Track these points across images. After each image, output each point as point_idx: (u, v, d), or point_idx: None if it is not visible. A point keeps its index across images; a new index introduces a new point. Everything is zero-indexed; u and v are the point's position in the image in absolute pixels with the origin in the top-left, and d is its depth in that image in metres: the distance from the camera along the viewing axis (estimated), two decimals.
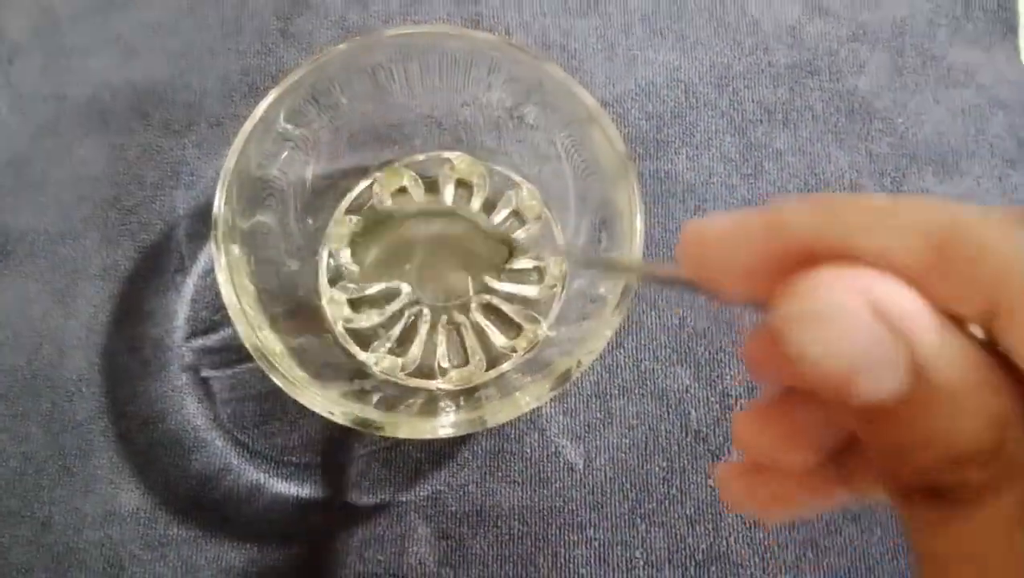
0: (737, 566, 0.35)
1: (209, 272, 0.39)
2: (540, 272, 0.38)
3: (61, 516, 0.36)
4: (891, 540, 0.35)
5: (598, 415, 0.37)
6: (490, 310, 0.38)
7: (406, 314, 0.37)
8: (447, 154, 0.39)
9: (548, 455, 0.36)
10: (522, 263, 0.38)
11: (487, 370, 0.36)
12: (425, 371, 0.37)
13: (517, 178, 0.39)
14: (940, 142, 0.41)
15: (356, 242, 0.34)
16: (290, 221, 0.35)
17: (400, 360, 0.36)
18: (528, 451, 0.36)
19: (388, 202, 0.39)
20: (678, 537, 0.35)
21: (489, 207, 0.39)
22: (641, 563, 0.35)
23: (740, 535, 0.35)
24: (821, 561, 0.35)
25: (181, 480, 0.36)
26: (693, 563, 0.35)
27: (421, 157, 0.39)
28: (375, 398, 0.32)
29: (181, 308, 0.38)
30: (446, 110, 0.37)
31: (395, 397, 0.34)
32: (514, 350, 0.37)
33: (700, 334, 0.38)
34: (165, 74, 0.42)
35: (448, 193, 0.39)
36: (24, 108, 0.42)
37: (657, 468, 0.36)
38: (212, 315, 0.38)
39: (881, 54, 0.42)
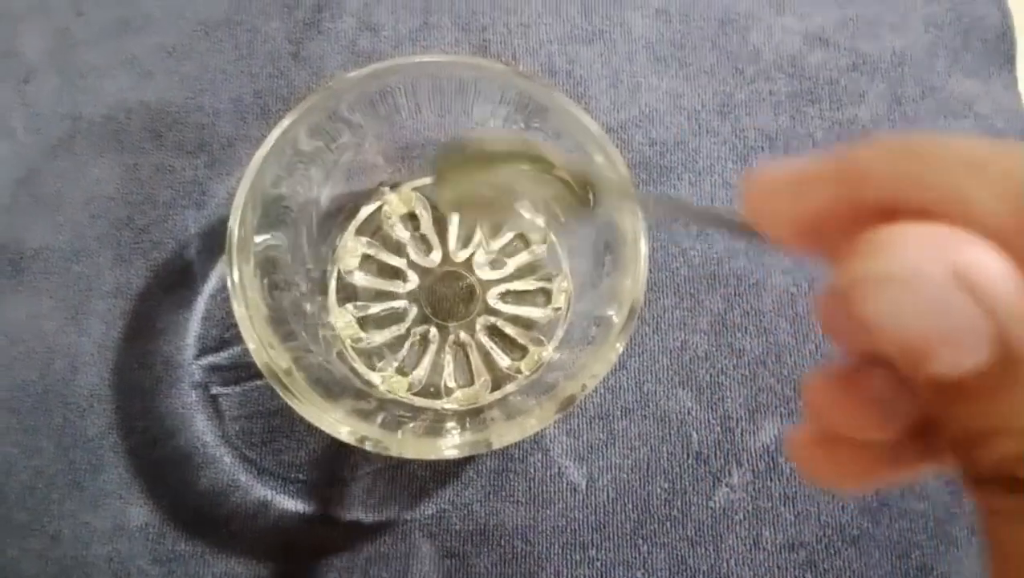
0: None
1: (220, 291, 0.39)
2: (545, 294, 0.39)
3: (70, 530, 0.37)
4: (889, 562, 0.35)
5: (601, 436, 0.37)
6: (495, 332, 0.38)
7: (413, 334, 0.38)
8: None
9: (551, 475, 0.37)
10: (527, 285, 0.39)
11: (492, 391, 0.37)
12: (431, 391, 0.37)
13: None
14: None
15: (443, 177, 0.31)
16: (302, 241, 0.35)
17: (407, 380, 0.37)
18: (532, 471, 0.37)
19: (398, 225, 0.39)
20: (679, 558, 0.36)
21: (495, 230, 0.40)
22: None
23: (740, 557, 0.36)
24: None
25: (189, 496, 0.37)
26: None
27: (429, 180, 0.40)
28: (381, 417, 0.33)
29: (192, 326, 0.39)
30: (454, 134, 0.38)
31: (401, 417, 0.34)
32: (519, 371, 0.37)
33: (702, 357, 0.38)
34: (179, 96, 0.43)
35: (455, 216, 0.40)
36: (39, 127, 0.43)
37: (659, 489, 0.37)
38: (222, 333, 0.39)
39: (881, 84, 0.43)
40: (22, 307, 0.40)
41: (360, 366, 0.37)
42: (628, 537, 0.36)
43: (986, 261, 0.13)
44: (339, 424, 0.29)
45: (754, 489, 0.37)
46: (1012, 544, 0.14)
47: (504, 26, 0.44)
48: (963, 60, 0.44)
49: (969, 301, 0.13)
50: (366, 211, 0.39)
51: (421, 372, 0.37)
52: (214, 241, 0.40)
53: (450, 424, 0.34)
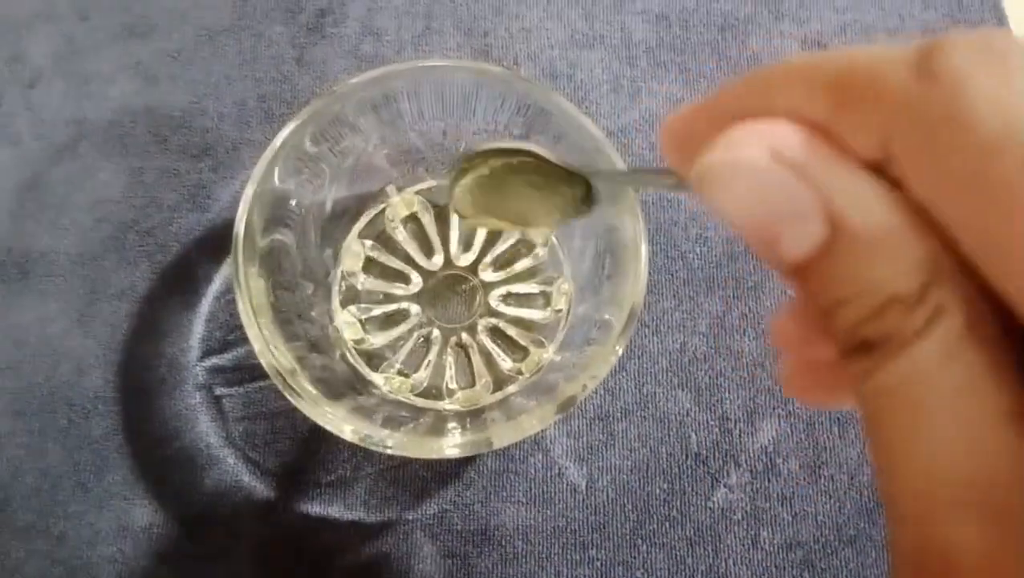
0: None
1: (224, 293, 0.40)
2: (546, 297, 0.39)
3: (75, 531, 0.37)
4: (886, 562, 0.36)
5: (601, 437, 0.38)
6: (497, 333, 0.39)
7: (415, 336, 0.38)
8: None
9: (552, 476, 0.37)
10: (528, 287, 0.39)
11: (493, 392, 0.37)
12: (433, 392, 0.38)
13: None
14: None
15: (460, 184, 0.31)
16: (306, 244, 0.36)
17: (409, 381, 0.37)
18: (532, 472, 0.37)
19: (401, 228, 0.40)
20: (678, 558, 0.36)
21: (496, 234, 0.40)
22: None
23: (739, 556, 0.36)
24: None
25: (194, 497, 0.37)
26: None
27: (431, 184, 0.40)
28: (383, 417, 0.33)
29: (196, 328, 0.39)
30: (455, 138, 0.38)
31: (403, 417, 0.35)
32: (520, 373, 0.37)
33: (700, 359, 0.39)
34: (183, 100, 0.43)
35: (457, 220, 0.40)
36: (45, 132, 0.43)
37: (658, 490, 0.37)
38: (226, 335, 0.39)
39: None
40: (28, 310, 0.40)
41: (363, 367, 0.37)
42: (627, 537, 0.36)
43: (801, 140, 0.14)
44: (342, 423, 0.30)
45: (752, 489, 0.37)
46: (873, 399, 0.14)
47: (506, 31, 0.45)
48: None
49: (794, 179, 0.14)
50: (369, 214, 0.40)
51: (423, 373, 0.38)
52: (218, 244, 0.41)
53: (451, 424, 0.34)
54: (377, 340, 0.38)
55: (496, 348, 0.38)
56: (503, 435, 0.30)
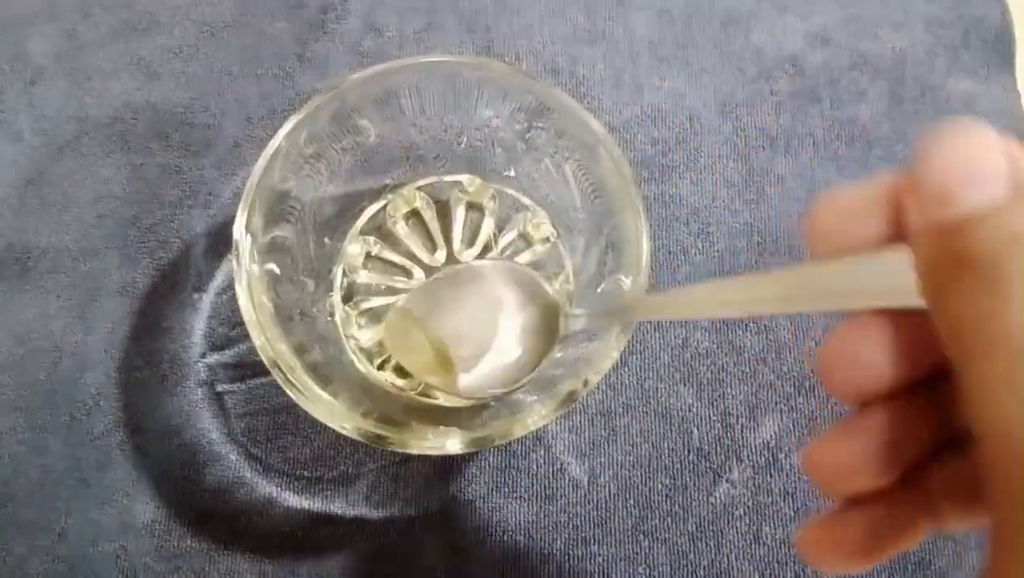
0: None
1: (225, 289, 0.40)
2: None
3: (77, 527, 0.37)
4: (890, 561, 0.36)
5: (603, 433, 0.38)
6: None
7: None
8: (458, 177, 0.40)
9: (554, 471, 0.37)
10: None
11: None
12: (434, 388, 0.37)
13: (526, 201, 0.40)
14: None
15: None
16: (307, 239, 0.36)
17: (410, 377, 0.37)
18: (534, 467, 0.37)
19: (402, 224, 0.40)
20: (680, 553, 0.36)
21: (498, 229, 0.40)
22: None
23: (741, 552, 0.36)
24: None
25: (195, 493, 0.37)
26: None
27: (433, 180, 0.40)
28: (385, 413, 0.33)
29: (198, 324, 0.39)
30: (457, 134, 0.38)
31: (404, 413, 0.35)
32: None
33: (703, 354, 0.39)
34: (185, 97, 0.43)
35: (459, 215, 0.40)
36: (46, 129, 0.43)
37: (660, 485, 0.37)
38: (228, 331, 0.39)
39: (881, 83, 0.43)
40: (30, 306, 0.40)
41: (364, 362, 0.37)
42: (629, 533, 0.36)
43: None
44: (343, 420, 0.30)
45: (754, 485, 0.37)
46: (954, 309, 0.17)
47: (508, 27, 0.45)
48: (963, 60, 0.44)
49: (997, 151, 0.17)
50: (371, 210, 0.40)
51: None
52: (220, 240, 0.41)
53: (453, 420, 0.34)
54: (378, 336, 0.38)
55: None
56: (505, 431, 0.30)
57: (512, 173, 0.39)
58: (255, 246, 0.32)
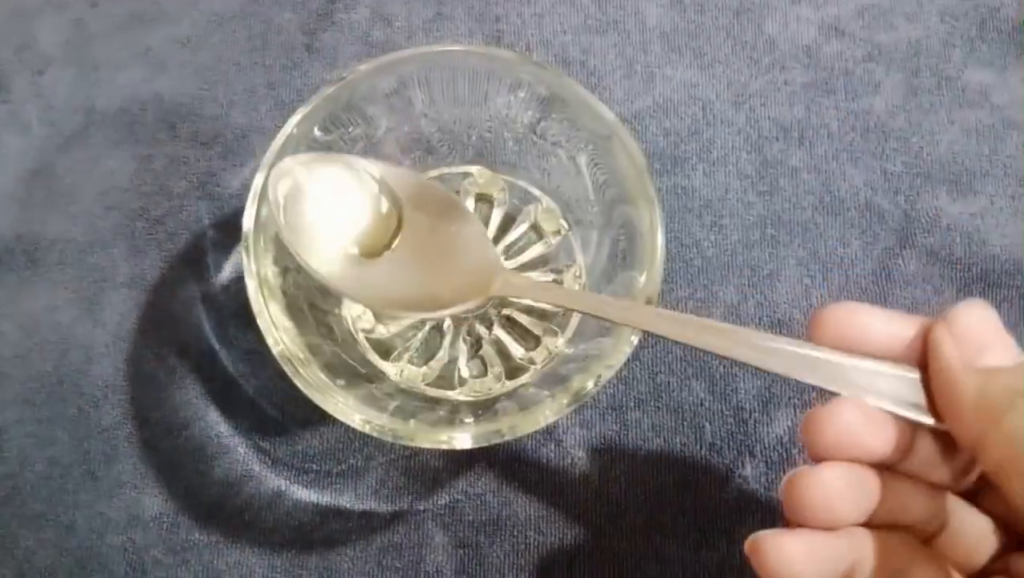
0: None
1: (234, 281, 0.39)
2: (558, 285, 0.39)
3: (85, 520, 0.37)
4: None
5: (614, 427, 0.37)
6: (509, 322, 0.38)
7: (427, 325, 0.38)
8: (468, 168, 0.40)
9: (564, 466, 0.37)
10: (540, 276, 0.39)
11: (505, 382, 0.37)
12: (444, 381, 0.37)
13: (537, 193, 0.39)
14: (954, 162, 0.41)
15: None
16: None
17: (421, 370, 0.37)
18: (545, 462, 0.37)
19: None
20: (692, 549, 0.36)
21: (508, 221, 0.40)
22: (655, 575, 0.36)
23: None
24: None
25: (204, 486, 0.37)
26: (707, 575, 0.35)
27: (443, 171, 0.40)
28: (394, 406, 0.33)
29: (206, 316, 0.39)
30: (468, 125, 0.38)
31: (415, 407, 0.34)
32: (532, 362, 0.37)
33: None
34: (193, 87, 0.43)
35: (468, 207, 0.40)
36: (54, 119, 0.43)
37: (672, 480, 0.37)
38: (236, 323, 0.39)
39: (896, 74, 0.43)
40: (37, 298, 0.40)
41: (374, 356, 0.37)
42: (641, 528, 0.36)
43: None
44: (353, 413, 0.29)
45: (767, 480, 0.37)
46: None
47: (518, 16, 0.44)
48: (979, 51, 0.43)
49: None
50: None
51: (435, 362, 0.37)
52: (228, 232, 0.40)
53: (463, 414, 0.34)
54: (389, 329, 0.38)
55: (508, 337, 0.38)
56: (516, 426, 0.29)
57: (523, 164, 0.39)
58: (264, 238, 0.32)
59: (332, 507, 0.37)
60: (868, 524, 0.24)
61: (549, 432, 0.37)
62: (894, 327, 0.24)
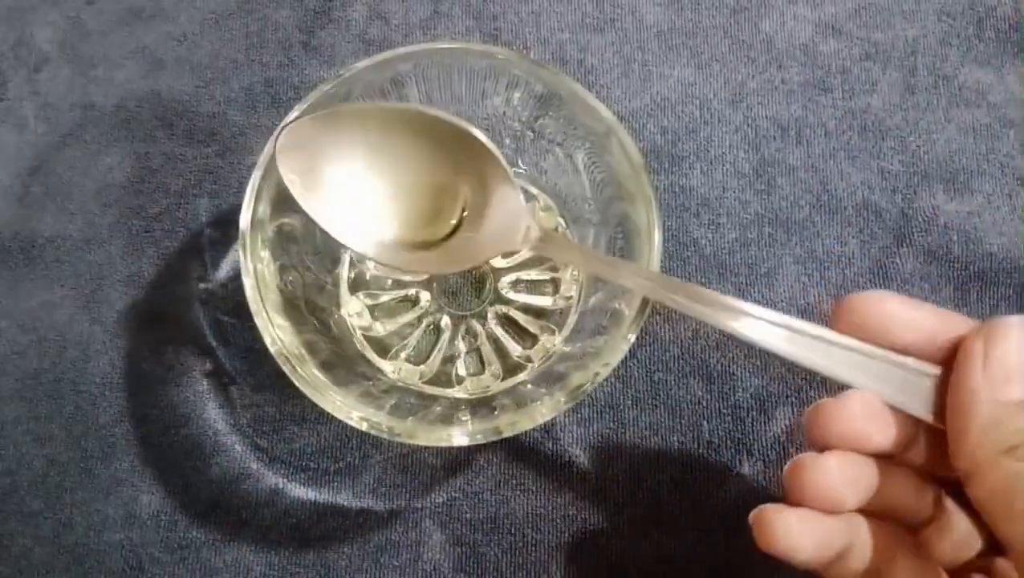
0: (749, 576, 0.35)
1: (232, 279, 0.39)
2: (555, 283, 0.39)
3: (82, 518, 0.37)
4: None
5: (611, 425, 0.37)
6: (507, 320, 0.38)
7: (424, 323, 0.38)
8: None
9: (562, 464, 0.37)
10: (538, 274, 0.39)
11: (503, 380, 0.37)
12: (442, 379, 0.37)
13: (534, 190, 0.39)
14: (951, 160, 0.41)
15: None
16: (314, 229, 0.35)
17: (418, 368, 0.37)
18: (542, 460, 0.37)
19: None
20: (690, 547, 0.36)
21: None
22: (653, 573, 0.36)
23: (751, 545, 0.36)
24: None
25: (201, 484, 0.37)
26: (705, 573, 0.35)
27: None
28: (392, 405, 0.33)
29: (203, 314, 0.39)
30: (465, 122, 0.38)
31: (412, 404, 0.34)
32: (529, 360, 0.37)
33: (713, 347, 0.38)
34: (189, 85, 0.43)
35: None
36: (50, 117, 0.43)
37: (669, 479, 0.37)
38: (234, 321, 0.39)
39: (893, 73, 0.43)
40: (34, 296, 0.40)
41: (371, 354, 0.37)
42: (639, 526, 0.36)
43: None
44: (350, 410, 0.29)
45: (765, 479, 0.37)
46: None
47: (515, 15, 0.44)
48: (976, 50, 0.43)
49: None
50: None
51: (432, 360, 0.37)
52: (226, 229, 0.40)
53: (461, 412, 0.34)
54: (386, 327, 0.38)
55: (506, 335, 0.38)
56: (513, 423, 0.30)
57: (520, 162, 0.39)
58: (262, 236, 0.32)
59: (329, 505, 0.37)
60: (862, 511, 0.25)
61: (547, 430, 0.37)
62: (922, 318, 0.24)
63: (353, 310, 0.38)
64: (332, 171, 0.32)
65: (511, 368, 0.37)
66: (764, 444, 0.37)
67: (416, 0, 0.45)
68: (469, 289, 0.39)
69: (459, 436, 0.30)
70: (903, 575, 0.25)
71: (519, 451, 0.37)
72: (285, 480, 0.37)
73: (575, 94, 0.33)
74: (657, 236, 0.31)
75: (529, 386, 0.35)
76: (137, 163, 0.42)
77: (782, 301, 0.39)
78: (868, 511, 0.25)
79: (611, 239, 0.35)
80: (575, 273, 0.38)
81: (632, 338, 0.30)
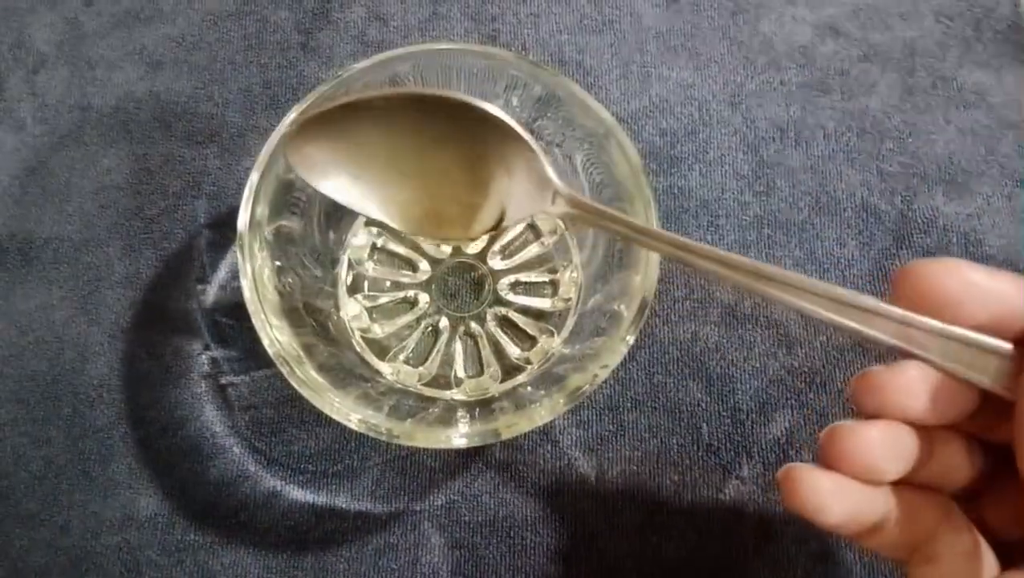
0: None
1: (230, 281, 0.39)
2: (554, 285, 0.39)
3: (80, 520, 0.37)
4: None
5: (611, 428, 0.37)
6: (506, 322, 0.38)
7: (423, 324, 0.38)
8: None
9: (561, 467, 0.37)
10: (537, 276, 0.39)
11: (502, 382, 0.37)
12: (441, 381, 0.37)
13: None
14: (950, 162, 0.41)
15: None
16: (312, 231, 0.35)
17: (417, 370, 0.37)
18: (541, 462, 0.37)
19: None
20: (689, 550, 0.36)
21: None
22: (652, 576, 0.35)
23: (751, 549, 0.36)
24: (830, 575, 0.35)
25: (199, 486, 0.37)
26: (704, 576, 0.35)
27: None
28: (391, 407, 0.33)
29: (202, 316, 0.39)
30: None
31: (411, 406, 0.34)
32: (528, 362, 0.37)
33: (712, 349, 0.38)
34: (188, 86, 0.43)
35: None
36: (49, 118, 0.43)
37: (669, 481, 0.37)
38: (232, 322, 0.39)
39: (892, 74, 0.43)
40: (32, 297, 0.40)
41: (370, 356, 0.37)
42: (638, 529, 0.36)
43: None
44: (348, 412, 0.29)
45: (764, 481, 0.36)
46: None
47: (514, 16, 0.44)
48: (975, 51, 0.43)
49: None
50: None
51: (431, 362, 0.37)
52: (224, 231, 0.40)
53: (459, 414, 0.34)
54: (384, 329, 0.38)
55: (505, 336, 0.38)
56: (512, 425, 0.29)
57: None
58: (260, 237, 0.32)
59: (328, 508, 0.36)
60: (906, 480, 0.23)
61: (546, 432, 0.37)
62: (1001, 291, 0.22)
63: (351, 312, 0.38)
64: (346, 163, 0.31)
65: (510, 370, 0.37)
66: (763, 447, 0.37)
67: (415, 1, 0.45)
68: (468, 291, 0.39)
69: (458, 438, 0.30)
70: (944, 550, 0.23)
71: (518, 454, 0.37)
72: (283, 482, 0.37)
73: (574, 95, 0.33)
74: None
75: (528, 388, 0.35)
76: (135, 164, 0.42)
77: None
78: (916, 483, 0.24)
79: (610, 241, 0.35)
80: (574, 275, 0.38)
81: (631, 340, 0.30)
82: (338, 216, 0.37)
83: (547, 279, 0.39)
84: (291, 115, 0.32)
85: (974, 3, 0.44)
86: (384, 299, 0.38)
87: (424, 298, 0.38)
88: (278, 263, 0.33)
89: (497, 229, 0.32)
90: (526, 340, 0.38)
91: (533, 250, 0.39)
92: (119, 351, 0.39)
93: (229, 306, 0.39)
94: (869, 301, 0.23)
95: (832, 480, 0.23)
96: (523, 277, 0.39)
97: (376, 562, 0.36)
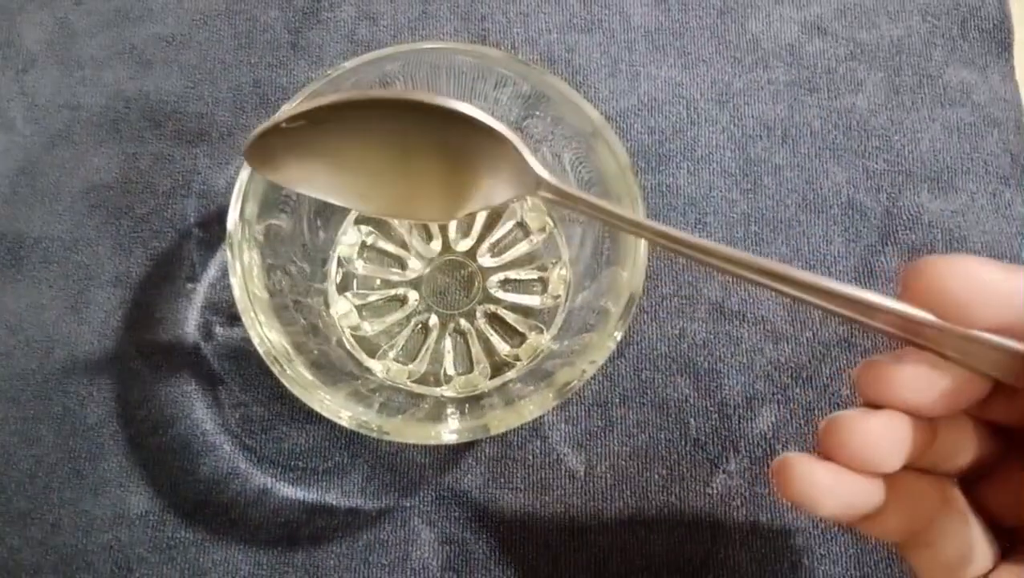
0: (734, 573, 0.36)
1: (219, 279, 0.39)
2: (543, 282, 0.39)
3: (70, 518, 0.37)
4: (885, 548, 0.36)
5: (599, 423, 0.38)
6: (495, 319, 0.38)
7: (413, 322, 0.38)
8: None
9: (550, 462, 0.37)
10: (526, 273, 0.39)
11: (491, 378, 0.37)
12: (431, 378, 0.37)
13: None
14: (935, 159, 0.41)
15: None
16: (302, 229, 0.35)
17: (406, 367, 0.37)
18: (530, 458, 0.37)
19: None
20: (677, 544, 0.36)
21: (494, 219, 0.40)
22: (640, 569, 0.36)
23: (738, 542, 0.36)
24: (816, 568, 0.36)
25: (189, 484, 0.37)
26: (691, 569, 0.36)
27: None
28: (381, 404, 0.33)
29: (191, 314, 0.39)
30: None
31: (401, 403, 0.35)
32: (517, 358, 0.37)
33: (700, 345, 0.38)
34: (178, 85, 0.43)
35: None
36: (38, 117, 0.43)
37: (657, 476, 0.37)
38: (222, 321, 0.39)
39: (878, 73, 0.43)
40: (22, 296, 0.40)
41: (360, 353, 0.37)
42: (626, 523, 0.36)
43: None
44: (339, 409, 0.30)
45: (751, 475, 0.37)
46: None
47: (503, 15, 0.44)
48: (960, 49, 0.44)
49: None
50: None
51: (421, 359, 0.37)
52: (214, 230, 0.40)
53: (449, 410, 0.34)
54: (374, 326, 0.38)
55: (494, 334, 0.38)
56: (501, 421, 0.30)
57: None
58: (249, 236, 0.32)
59: (318, 504, 0.37)
60: (906, 466, 0.23)
61: (535, 428, 0.37)
62: (1015, 290, 0.21)
63: (341, 310, 0.38)
64: (317, 170, 0.31)
65: (499, 366, 0.37)
66: (750, 441, 0.37)
67: (404, 1, 0.45)
68: (457, 288, 0.39)
69: (447, 434, 0.30)
70: (942, 536, 0.23)
71: (507, 450, 0.37)
72: (274, 480, 0.37)
73: (562, 94, 0.33)
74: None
75: (517, 384, 0.35)
76: (125, 164, 0.42)
77: (767, 300, 0.39)
78: (917, 467, 0.23)
79: (598, 238, 0.35)
80: (563, 272, 0.38)
81: (619, 336, 0.30)
82: (328, 214, 0.38)
83: (536, 276, 0.39)
84: (285, 109, 0.32)
85: (960, 2, 0.45)
86: (374, 297, 0.39)
87: (414, 296, 0.39)
88: (268, 261, 0.33)
89: (475, 212, 0.32)
90: (515, 337, 0.38)
91: (522, 248, 0.39)
92: (109, 350, 0.39)
93: (219, 304, 0.39)
94: (874, 297, 0.22)
95: (829, 471, 0.22)
96: (512, 274, 0.39)
97: (366, 558, 0.36)
